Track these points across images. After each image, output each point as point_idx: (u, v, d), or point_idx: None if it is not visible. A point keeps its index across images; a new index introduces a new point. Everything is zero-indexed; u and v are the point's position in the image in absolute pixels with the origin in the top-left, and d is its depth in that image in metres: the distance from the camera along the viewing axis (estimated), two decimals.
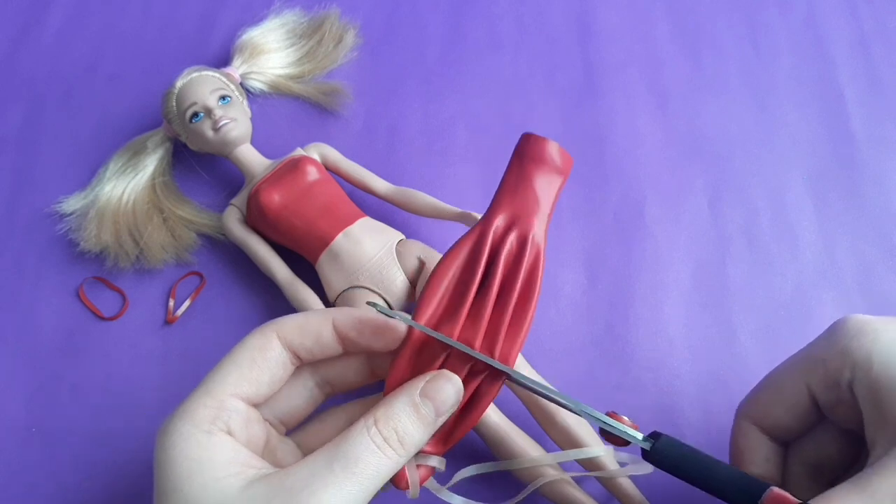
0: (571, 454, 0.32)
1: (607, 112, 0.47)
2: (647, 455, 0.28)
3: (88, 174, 0.44)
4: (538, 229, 0.29)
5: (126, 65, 0.49)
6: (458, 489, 0.33)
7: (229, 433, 0.25)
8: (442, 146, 0.46)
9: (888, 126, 0.46)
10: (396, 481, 0.26)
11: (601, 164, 0.45)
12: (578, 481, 0.34)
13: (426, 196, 0.40)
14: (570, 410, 0.28)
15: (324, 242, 0.38)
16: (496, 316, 0.28)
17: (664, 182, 0.44)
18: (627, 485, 0.34)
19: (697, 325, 0.40)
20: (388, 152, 0.45)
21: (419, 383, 0.26)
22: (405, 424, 0.25)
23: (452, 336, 0.28)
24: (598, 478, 0.34)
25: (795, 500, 0.24)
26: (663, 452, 0.27)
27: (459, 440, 0.28)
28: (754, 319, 0.40)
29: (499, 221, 0.29)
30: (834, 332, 0.28)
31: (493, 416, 0.35)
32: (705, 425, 0.38)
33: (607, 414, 0.28)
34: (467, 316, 0.28)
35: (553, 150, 0.29)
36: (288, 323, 0.27)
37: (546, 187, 0.29)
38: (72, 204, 0.43)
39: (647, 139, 0.46)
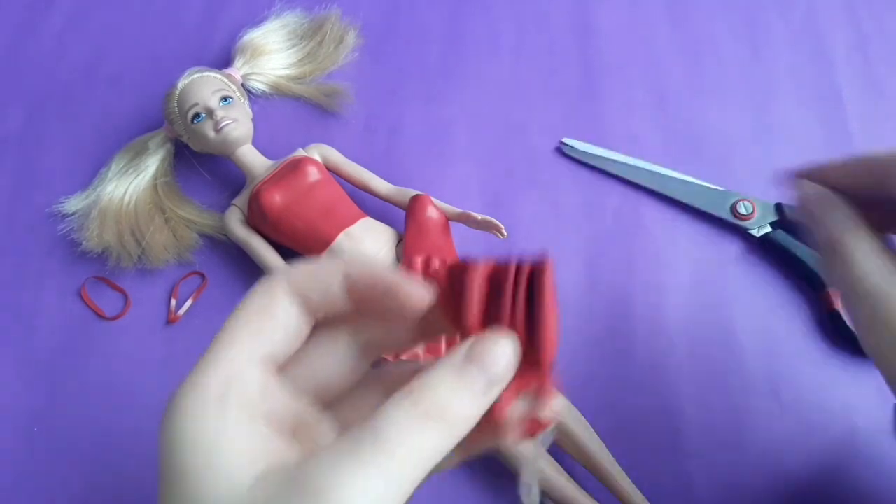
0: None
1: (607, 112, 0.47)
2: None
3: (90, 174, 0.44)
4: (451, 256, 0.38)
5: (127, 66, 0.49)
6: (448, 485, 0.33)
7: (243, 408, 0.21)
8: (442, 146, 0.46)
9: (887, 126, 0.46)
10: (495, 417, 0.21)
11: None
12: (579, 482, 0.35)
13: None
14: None
15: (325, 242, 0.38)
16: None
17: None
18: (627, 485, 0.34)
19: (697, 325, 0.40)
20: (389, 152, 0.45)
21: (463, 346, 0.21)
22: (447, 394, 0.20)
23: None
24: (596, 476, 0.34)
25: None
26: None
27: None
28: (753, 320, 0.40)
29: (418, 260, 0.37)
30: None
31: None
32: (705, 426, 0.38)
33: None
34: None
35: (429, 203, 0.39)
36: (295, 273, 0.23)
37: (438, 227, 0.39)
38: (74, 204, 0.43)
39: (646, 139, 0.46)
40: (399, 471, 0.18)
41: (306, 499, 0.18)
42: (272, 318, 0.22)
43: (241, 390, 0.21)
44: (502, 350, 0.21)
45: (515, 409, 0.22)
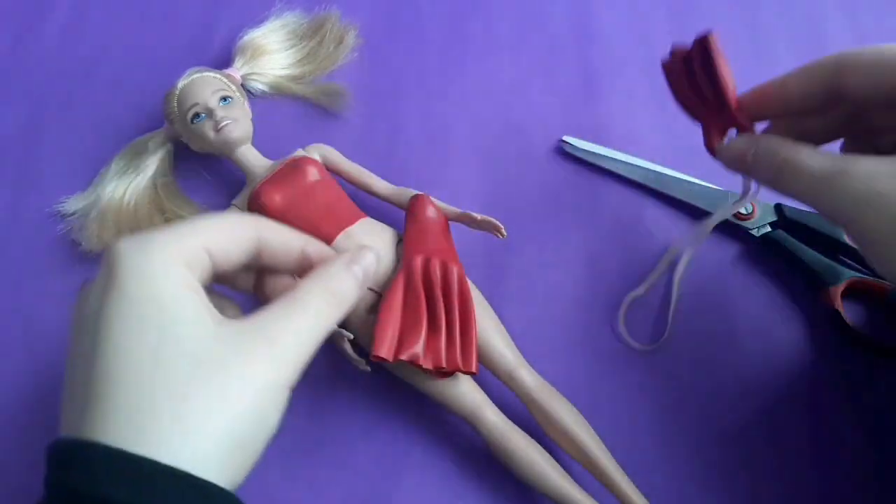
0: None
1: (607, 112, 0.47)
2: None
3: (90, 175, 0.44)
4: (451, 256, 0.37)
5: (128, 66, 0.50)
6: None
7: (200, 276, 0.26)
8: (442, 146, 0.46)
9: None
10: (714, 150, 0.34)
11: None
12: (578, 481, 0.35)
13: None
14: None
15: (325, 242, 0.38)
16: (449, 324, 0.35)
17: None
18: (627, 485, 0.34)
19: (697, 325, 0.40)
20: (389, 153, 0.45)
21: (348, 254, 0.30)
22: (340, 281, 0.28)
23: (417, 345, 0.34)
24: (595, 476, 0.34)
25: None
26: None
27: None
28: (753, 321, 0.40)
29: (418, 260, 0.36)
30: None
31: (491, 415, 0.35)
32: (705, 424, 0.38)
33: None
34: (427, 329, 0.34)
35: (429, 203, 0.39)
36: (266, 221, 0.29)
37: (438, 227, 0.38)
38: (73, 204, 0.43)
39: (647, 139, 0.46)
40: (315, 322, 0.26)
41: (260, 339, 0.24)
42: (237, 241, 0.28)
43: (201, 265, 0.26)
44: (370, 258, 0.30)
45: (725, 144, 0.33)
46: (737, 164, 0.33)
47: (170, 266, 0.24)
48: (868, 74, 0.30)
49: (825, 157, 0.29)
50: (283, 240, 0.29)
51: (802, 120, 0.34)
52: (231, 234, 0.27)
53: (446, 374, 0.35)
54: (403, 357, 0.33)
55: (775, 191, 0.31)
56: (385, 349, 0.33)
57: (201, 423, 0.22)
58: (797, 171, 0.30)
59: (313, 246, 0.30)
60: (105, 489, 0.20)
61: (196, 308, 0.24)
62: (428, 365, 0.33)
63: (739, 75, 0.48)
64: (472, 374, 0.34)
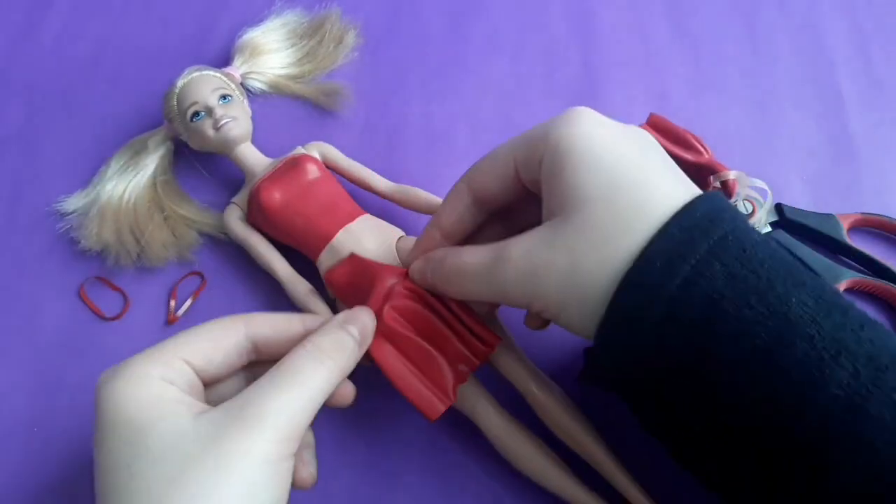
0: None
1: (607, 112, 0.47)
2: None
3: (89, 173, 0.44)
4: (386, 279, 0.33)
5: (127, 64, 0.50)
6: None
7: (175, 384, 0.26)
8: (442, 146, 0.46)
9: (887, 126, 0.46)
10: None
11: None
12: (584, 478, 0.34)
13: (426, 194, 0.40)
14: None
15: (325, 240, 0.38)
16: (451, 326, 0.32)
17: None
18: (628, 480, 0.34)
19: None
20: (389, 152, 0.45)
21: (340, 315, 0.30)
22: (335, 339, 0.28)
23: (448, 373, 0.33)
24: (609, 481, 0.34)
25: None
26: None
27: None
28: None
29: (383, 306, 0.32)
30: (554, 117, 0.30)
31: (493, 411, 0.35)
32: None
33: None
34: (439, 352, 0.32)
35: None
36: (259, 316, 0.29)
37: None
38: (73, 203, 0.43)
39: None
40: (309, 392, 0.26)
41: (243, 420, 0.24)
42: (221, 344, 0.28)
43: (174, 378, 0.26)
44: (364, 318, 0.30)
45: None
46: (425, 285, 0.32)
47: (137, 383, 0.25)
48: (491, 178, 0.31)
49: (482, 248, 0.29)
50: (280, 328, 0.29)
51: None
52: (212, 343, 0.27)
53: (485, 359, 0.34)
54: (457, 394, 0.33)
55: (459, 298, 0.31)
56: (436, 406, 0.32)
57: None
58: (462, 271, 0.29)
59: (316, 321, 0.29)
60: None
61: (167, 412, 0.24)
62: (468, 372, 0.33)
63: (739, 76, 0.48)
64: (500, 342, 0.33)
